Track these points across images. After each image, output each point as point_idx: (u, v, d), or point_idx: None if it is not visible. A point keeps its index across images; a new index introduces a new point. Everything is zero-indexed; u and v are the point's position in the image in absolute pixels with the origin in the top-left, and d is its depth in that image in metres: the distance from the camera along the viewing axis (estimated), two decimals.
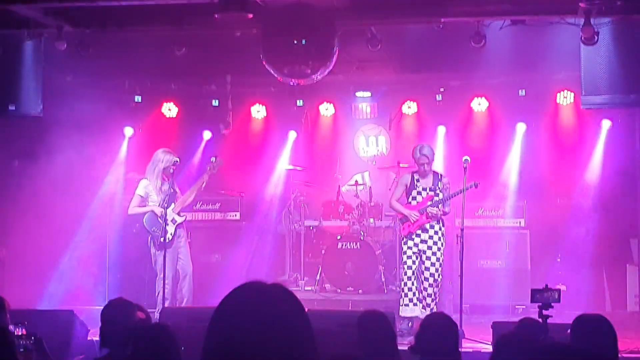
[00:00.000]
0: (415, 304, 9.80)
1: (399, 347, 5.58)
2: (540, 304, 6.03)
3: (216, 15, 8.28)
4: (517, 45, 10.28)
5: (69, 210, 11.53)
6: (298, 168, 12.63)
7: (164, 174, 10.10)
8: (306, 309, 2.13)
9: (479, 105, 12.18)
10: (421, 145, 9.91)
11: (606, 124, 11.54)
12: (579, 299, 10.52)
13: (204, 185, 10.27)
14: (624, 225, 11.39)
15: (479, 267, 11.29)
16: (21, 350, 5.35)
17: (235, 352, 1.98)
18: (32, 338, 5.52)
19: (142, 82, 12.36)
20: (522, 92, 11.78)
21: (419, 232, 9.84)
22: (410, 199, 9.98)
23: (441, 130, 12.33)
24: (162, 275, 9.91)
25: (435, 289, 9.81)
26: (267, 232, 12.56)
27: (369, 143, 13.37)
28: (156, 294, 10.02)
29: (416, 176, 9.95)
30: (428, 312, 9.34)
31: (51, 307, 10.46)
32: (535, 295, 6.04)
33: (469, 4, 8.88)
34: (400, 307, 9.84)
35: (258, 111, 13.01)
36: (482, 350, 8.22)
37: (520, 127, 11.98)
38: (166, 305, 9.72)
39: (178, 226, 10.16)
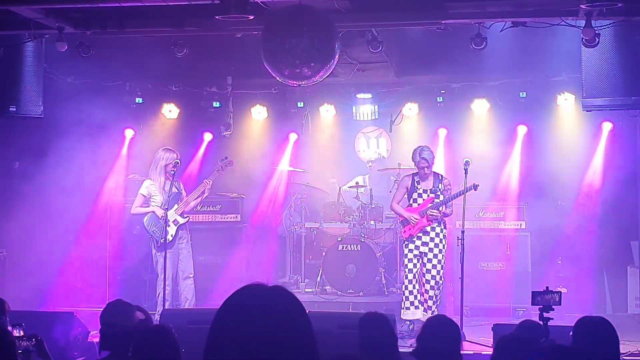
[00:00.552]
0: (416, 307, 9.79)
1: (400, 349, 5.57)
2: (541, 306, 6.02)
3: (217, 17, 8.27)
4: (518, 47, 10.28)
5: (70, 212, 11.53)
6: (299, 170, 12.62)
7: (166, 173, 10.10)
8: (307, 311, 2.12)
9: (480, 107, 12.17)
10: (421, 147, 9.90)
11: (607, 126, 11.53)
12: (579, 301, 10.51)
13: (209, 187, 10.26)
14: (624, 228, 11.38)
15: (480, 270, 11.28)
16: (21, 351, 5.34)
17: (237, 354, 1.98)
18: (33, 339, 5.50)
19: (143, 84, 12.36)
20: (523, 94, 11.76)
21: (420, 234, 9.83)
22: (411, 201, 9.98)
23: (442, 132, 12.32)
24: (162, 277, 9.91)
25: (437, 292, 9.80)
26: (267, 234, 12.56)
27: (369, 145, 13.36)
28: (157, 295, 10.02)
29: (416, 178, 9.95)
30: (429, 314, 9.33)
31: (51, 308, 10.46)
32: (536, 297, 6.03)
33: (469, 6, 8.88)
34: (402, 310, 9.83)
35: (259, 113, 13.00)
36: (483, 353, 8.22)
37: (521, 129, 11.97)
38: (167, 306, 9.72)
39: (180, 227, 10.15)
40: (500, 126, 12.09)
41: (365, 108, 12.89)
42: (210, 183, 10.27)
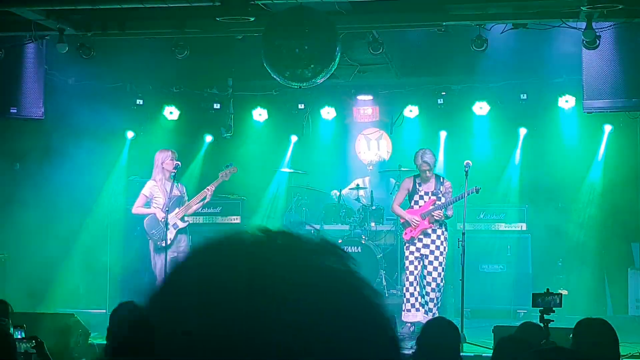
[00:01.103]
0: (417, 309, 9.78)
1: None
2: (541, 308, 6.02)
3: (218, 18, 8.28)
4: (519, 49, 10.28)
5: (71, 213, 11.53)
6: (299, 172, 12.62)
7: (167, 172, 10.10)
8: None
9: (481, 109, 12.16)
10: (423, 150, 9.90)
11: (608, 128, 11.53)
12: (580, 303, 10.50)
13: (209, 197, 10.25)
14: (625, 229, 11.38)
15: (481, 271, 11.28)
16: (22, 353, 5.34)
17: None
18: (33, 341, 5.51)
19: (144, 85, 12.36)
20: (523, 96, 11.76)
21: (421, 236, 9.83)
22: (412, 204, 9.98)
23: (443, 134, 12.32)
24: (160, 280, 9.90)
25: (438, 294, 9.80)
26: None
27: (370, 147, 13.36)
28: None
29: (418, 180, 9.95)
30: (430, 316, 9.32)
31: (52, 310, 10.45)
32: (537, 299, 6.03)
33: (470, 7, 8.88)
34: (403, 312, 9.82)
35: (260, 114, 13.00)
36: (484, 355, 8.21)
37: (522, 131, 11.97)
38: None
39: (179, 231, 10.15)
40: (501, 128, 12.09)
41: (366, 110, 12.89)
42: (213, 189, 10.27)
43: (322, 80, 8.68)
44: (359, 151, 13.40)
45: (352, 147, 13.36)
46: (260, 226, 1.08)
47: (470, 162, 9.61)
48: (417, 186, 9.93)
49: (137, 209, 10.25)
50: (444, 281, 9.90)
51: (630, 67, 8.86)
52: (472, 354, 8.46)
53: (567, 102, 11.64)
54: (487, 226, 11.53)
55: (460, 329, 7.12)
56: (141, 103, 12.50)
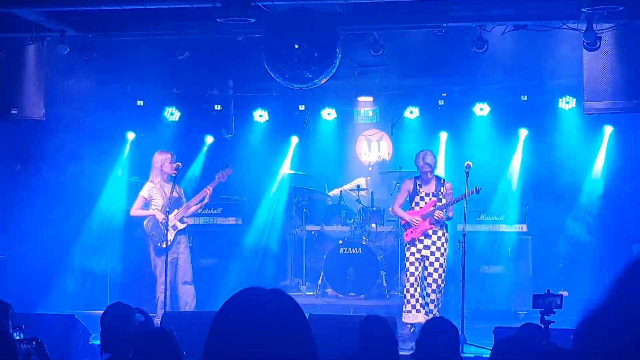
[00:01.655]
0: (418, 311, 9.78)
1: (401, 353, 5.57)
2: (542, 309, 6.02)
3: (218, 20, 8.28)
4: (519, 51, 10.28)
5: (71, 214, 11.53)
6: (300, 173, 12.63)
7: (165, 174, 10.12)
8: (308, 314, 2.13)
9: (481, 110, 12.17)
10: (424, 152, 9.90)
11: (608, 129, 11.53)
12: (581, 304, 10.49)
13: (208, 197, 10.27)
14: (626, 231, 11.36)
15: (481, 273, 11.28)
16: (22, 354, 5.34)
17: (235, 357, 1.98)
18: (33, 342, 5.51)
19: (145, 87, 12.36)
20: (524, 98, 11.76)
21: (421, 237, 9.83)
22: (413, 205, 9.98)
23: (443, 135, 12.32)
24: (162, 280, 9.92)
25: (438, 295, 9.80)
26: (268, 237, 12.55)
27: (371, 148, 13.37)
28: (156, 298, 10.03)
29: (419, 182, 9.95)
30: (431, 318, 9.32)
31: (52, 311, 10.45)
32: (538, 300, 6.03)
33: (470, 9, 8.88)
34: (403, 314, 9.83)
35: (260, 116, 13.00)
36: (484, 356, 8.21)
37: (522, 133, 11.97)
38: (166, 309, 9.73)
39: (179, 232, 10.16)
40: (502, 129, 12.08)
41: (366, 111, 12.90)
42: (211, 190, 10.28)
43: (323, 81, 8.69)
44: (360, 152, 13.40)
45: (352, 148, 13.36)
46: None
47: (470, 163, 9.61)
48: (418, 187, 9.93)
49: (135, 211, 10.27)
50: (444, 282, 9.91)
51: (630, 68, 8.86)
52: (473, 355, 8.46)
53: (567, 103, 11.64)
54: (488, 227, 11.53)
55: (460, 330, 7.13)
56: (142, 104, 12.51)
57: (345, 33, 9.04)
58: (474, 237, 11.09)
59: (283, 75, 8.54)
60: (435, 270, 9.78)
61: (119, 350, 5.06)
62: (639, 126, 11.33)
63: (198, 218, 11.74)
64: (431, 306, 9.76)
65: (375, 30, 9.39)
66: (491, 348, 5.13)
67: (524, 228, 11.46)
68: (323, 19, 8.50)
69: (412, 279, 9.84)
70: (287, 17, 8.50)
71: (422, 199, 9.92)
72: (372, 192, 12.08)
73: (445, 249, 9.86)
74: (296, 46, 8.30)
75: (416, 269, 9.84)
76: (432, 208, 9.81)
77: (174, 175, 10.05)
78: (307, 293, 11.74)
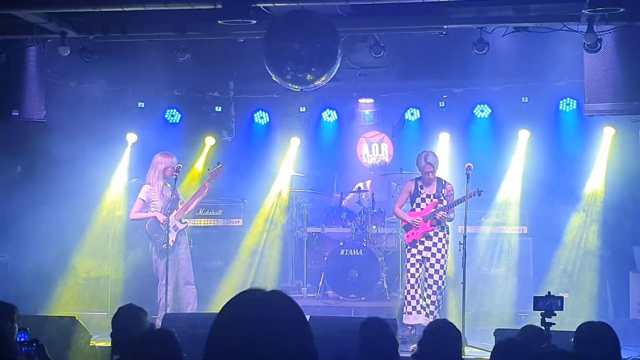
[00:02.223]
0: (418, 312, 9.78)
1: (401, 354, 5.57)
2: (543, 311, 6.02)
3: (219, 22, 8.28)
4: (520, 52, 10.29)
5: (72, 216, 11.53)
6: (301, 174, 12.63)
7: (165, 177, 10.13)
8: (308, 316, 2.13)
9: (482, 112, 12.18)
10: (426, 152, 9.90)
11: (609, 131, 11.52)
12: (581, 306, 10.49)
13: (206, 192, 10.29)
14: (627, 233, 11.36)
15: (482, 274, 11.27)
16: (23, 356, 5.34)
17: (235, 358, 1.98)
18: (34, 344, 5.50)
19: (145, 88, 12.36)
20: (525, 99, 11.77)
21: (422, 239, 9.83)
22: (414, 206, 9.98)
23: (444, 137, 12.32)
24: (163, 282, 9.92)
25: (439, 297, 9.80)
26: (269, 238, 12.55)
27: (371, 150, 13.37)
28: (158, 300, 10.03)
29: (420, 183, 9.95)
30: (431, 319, 9.32)
31: (53, 312, 10.45)
32: (538, 302, 6.03)
33: (471, 11, 8.88)
34: (404, 315, 9.83)
35: (261, 117, 13.01)
36: (485, 358, 8.20)
37: (523, 134, 11.97)
38: (168, 311, 9.73)
39: (179, 233, 10.17)
40: (502, 131, 12.08)
41: (367, 113, 12.90)
42: (209, 186, 10.28)
43: (324, 83, 8.69)
44: (361, 154, 13.41)
45: (353, 150, 13.37)
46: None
47: (471, 165, 9.62)
48: (419, 189, 9.93)
49: (135, 214, 10.28)
50: (445, 284, 9.91)
51: (631, 70, 8.86)
52: (474, 357, 8.46)
53: (568, 105, 11.65)
54: (489, 229, 11.52)
55: (461, 332, 7.13)
56: (143, 106, 12.51)
57: (346, 35, 9.04)
58: (474, 239, 11.09)
59: (284, 77, 8.54)
60: (436, 271, 9.78)
61: (128, 352, 5.05)
62: None
63: (199, 219, 11.74)
64: (432, 308, 9.76)
65: (376, 32, 9.39)
66: (492, 350, 5.13)
67: (525, 230, 11.45)
68: (324, 21, 8.49)
69: (412, 281, 9.83)
70: (288, 19, 8.49)
71: (423, 200, 9.92)
72: (372, 194, 12.08)
73: (446, 250, 9.86)
74: (297, 48, 8.29)
75: (417, 270, 9.84)
76: (433, 210, 9.81)
77: (174, 177, 10.06)
78: (308, 295, 11.74)
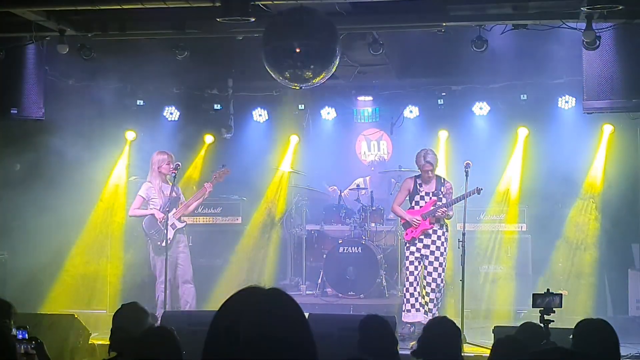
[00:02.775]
0: (417, 310, 9.79)
1: (401, 352, 5.57)
2: (541, 308, 6.02)
3: (218, 19, 8.28)
4: (519, 50, 10.28)
5: (71, 214, 11.53)
6: (299, 172, 12.63)
7: (161, 175, 10.13)
8: (307, 313, 2.13)
9: (481, 109, 12.17)
10: (425, 151, 9.90)
11: (608, 128, 11.53)
12: (580, 303, 10.50)
13: (207, 194, 10.28)
14: (625, 230, 11.37)
15: (481, 272, 11.28)
16: (22, 354, 5.34)
17: (235, 356, 1.98)
18: (33, 342, 5.51)
19: (144, 86, 12.36)
20: (523, 97, 11.77)
21: (421, 237, 9.84)
22: (413, 204, 9.98)
23: (443, 134, 12.33)
24: (161, 279, 9.93)
25: (438, 294, 9.80)
26: (268, 236, 12.56)
27: (370, 147, 13.37)
28: (156, 298, 10.03)
29: (419, 181, 9.96)
30: (430, 317, 9.33)
31: (52, 310, 10.45)
32: (537, 300, 6.03)
33: (470, 8, 8.88)
34: (403, 313, 9.83)
35: (260, 115, 13.01)
36: (484, 355, 8.21)
37: (522, 132, 11.97)
38: (165, 309, 9.73)
39: (177, 231, 10.16)
40: (501, 129, 12.09)
41: (366, 110, 12.90)
42: (211, 186, 10.28)
43: (322, 81, 8.68)
44: (359, 152, 13.41)
45: (352, 147, 13.37)
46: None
47: (470, 162, 9.62)
48: (418, 187, 9.93)
49: (134, 210, 10.29)
50: (444, 282, 9.91)
51: (630, 67, 8.86)
52: (473, 355, 8.46)
53: (567, 102, 11.64)
54: (487, 227, 11.53)
55: (460, 330, 7.14)
56: (141, 104, 12.51)
57: (345, 32, 9.03)
58: (473, 237, 11.10)
59: (282, 75, 8.53)
60: (435, 269, 9.79)
61: (126, 351, 5.06)
62: (639, 125, 11.33)
63: (198, 217, 11.74)
64: (430, 305, 9.76)
65: (375, 29, 9.39)
66: (491, 347, 5.13)
67: (524, 227, 11.46)
68: (323, 19, 8.49)
69: (411, 278, 9.84)
70: (286, 17, 8.49)
71: (422, 198, 9.92)
72: (371, 192, 12.08)
73: (445, 248, 9.86)
74: (295, 45, 8.29)
75: (416, 268, 9.85)
76: (432, 207, 9.82)
77: (173, 175, 10.06)
78: (307, 292, 11.74)
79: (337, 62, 8.56)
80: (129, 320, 5.19)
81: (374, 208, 11.80)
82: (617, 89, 8.89)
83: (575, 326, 4.93)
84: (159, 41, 10.14)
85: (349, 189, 12.56)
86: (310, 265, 12.09)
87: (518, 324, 6.28)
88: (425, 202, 9.89)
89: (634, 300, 11.03)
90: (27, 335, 5.57)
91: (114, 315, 5.27)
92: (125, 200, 11.78)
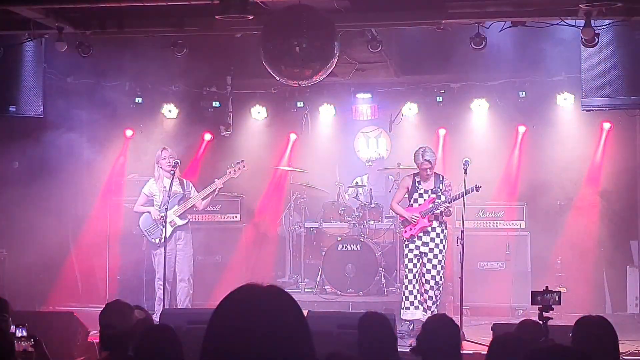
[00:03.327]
0: (416, 307, 9.79)
1: (399, 349, 5.57)
2: (540, 306, 6.02)
3: (217, 17, 8.27)
4: (518, 47, 10.28)
5: (69, 211, 11.53)
6: (298, 170, 12.62)
7: (162, 171, 10.13)
8: (306, 311, 2.12)
9: (479, 107, 12.17)
10: (424, 148, 9.90)
11: (606, 125, 11.54)
12: (579, 301, 10.51)
13: (218, 191, 10.22)
14: (624, 227, 11.39)
15: (480, 269, 11.29)
16: (20, 352, 5.34)
17: (233, 354, 1.98)
18: (31, 340, 5.50)
19: (143, 84, 12.34)
20: (522, 94, 11.76)
21: (420, 234, 9.83)
22: (411, 202, 9.98)
23: (441, 132, 12.33)
24: (158, 276, 9.95)
25: (437, 292, 9.80)
26: (267, 233, 12.56)
27: (369, 145, 13.37)
28: (155, 295, 10.05)
29: (417, 179, 9.95)
30: (429, 314, 9.33)
31: (51, 308, 10.46)
32: (536, 297, 6.03)
33: (469, 5, 8.88)
34: (402, 310, 9.83)
35: (258, 112, 13.00)
36: (483, 352, 8.21)
37: (521, 129, 11.98)
38: (163, 306, 9.74)
39: (177, 229, 10.14)
40: (500, 126, 12.09)
41: (364, 108, 12.89)
42: (221, 184, 10.23)
43: (321, 78, 8.68)
44: (358, 149, 13.41)
45: (350, 145, 13.37)
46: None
47: (469, 159, 9.62)
48: (417, 184, 9.93)
49: (137, 207, 10.34)
50: (443, 279, 9.91)
51: (628, 65, 8.87)
52: (471, 352, 8.46)
53: (565, 100, 11.64)
54: (486, 224, 11.53)
55: (459, 327, 7.14)
56: (140, 101, 12.50)
57: (344, 30, 9.03)
58: (472, 234, 11.09)
59: (281, 72, 8.53)
60: (434, 267, 9.79)
61: (117, 347, 5.06)
62: (637, 122, 11.33)
63: (197, 215, 11.73)
64: (429, 303, 9.76)
65: (373, 26, 9.38)
66: (489, 344, 5.13)
67: (522, 224, 11.46)
68: (321, 16, 8.48)
69: (410, 276, 9.84)
70: (285, 14, 8.48)
71: (421, 195, 9.92)
72: (370, 189, 12.08)
73: (444, 246, 9.86)
74: (294, 43, 8.28)
75: (415, 265, 9.85)
76: (430, 205, 9.82)
77: (172, 172, 10.06)
78: (306, 290, 11.74)
79: (335, 60, 8.56)
80: (116, 315, 5.20)
81: (372, 205, 11.79)
82: (616, 86, 8.89)
83: (575, 323, 4.94)
84: (157, 39, 10.13)
85: (348, 187, 12.55)
86: (309, 262, 12.09)
87: (517, 321, 6.28)
88: (424, 200, 9.89)
89: (632, 297, 11.05)
90: (25, 332, 5.56)
91: (100, 315, 5.28)
92: (124, 198, 11.77)
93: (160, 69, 11.25)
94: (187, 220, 10.29)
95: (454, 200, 9.78)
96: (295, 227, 12.25)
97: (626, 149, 11.48)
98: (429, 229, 9.82)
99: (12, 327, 5.63)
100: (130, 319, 5.22)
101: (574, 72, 9.86)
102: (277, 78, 8.73)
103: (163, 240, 9.89)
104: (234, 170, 10.30)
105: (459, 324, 8.18)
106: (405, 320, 9.81)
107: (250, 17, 8.17)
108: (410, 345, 5.13)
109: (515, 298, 10.88)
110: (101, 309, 5.36)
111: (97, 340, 8.54)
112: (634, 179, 11.42)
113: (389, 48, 10.30)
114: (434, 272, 9.78)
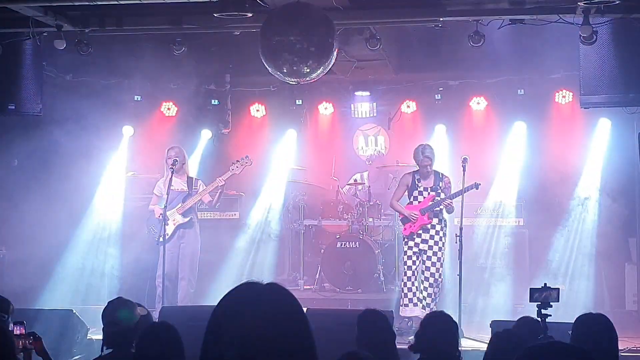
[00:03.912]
0: (415, 304, 9.81)
1: (398, 346, 5.58)
2: (539, 303, 6.03)
3: (215, 15, 8.28)
4: (516, 45, 10.29)
5: (68, 209, 11.53)
6: (297, 167, 12.63)
7: (167, 170, 10.18)
8: (305, 308, 2.13)
9: (478, 104, 12.19)
10: (423, 146, 9.91)
11: (605, 123, 11.54)
12: (578, 298, 10.52)
13: (222, 184, 10.19)
14: (622, 224, 11.39)
15: (478, 266, 11.30)
16: (20, 349, 5.35)
17: (234, 351, 1.99)
18: (31, 337, 5.52)
19: (142, 82, 12.33)
20: (521, 92, 11.78)
21: (420, 232, 9.85)
22: (411, 199, 9.99)
23: (440, 129, 12.33)
24: (159, 273, 9.97)
25: (436, 289, 9.82)
26: (266, 231, 12.56)
27: (368, 142, 13.38)
28: (156, 292, 10.08)
29: (417, 176, 9.97)
30: (428, 312, 9.34)
31: (51, 306, 10.46)
32: (534, 294, 6.04)
33: (467, 3, 8.88)
34: (400, 307, 9.85)
35: (257, 110, 13.01)
36: (481, 349, 8.22)
37: (519, 127, 11.98)
38: (163, 303, 9.75)
39: (179, 227, 10.15)
40: (499, 123, 12.10)
41: (363, 105, 12.90)
42: (223, 181, 10.22)
43: (320, 76, 8.68)
44: (357, 147, 13.41)
45: (349, 142, 13.37)
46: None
47: (467, 157, 9.63)
48: (417, 182, 9.95)
49: (150, 206, 10.39)
50: (442, 276, 9.92)
51: (627, 62, 8.86)
52: (470, 349, 8.48)
53: (564, 97, 11.66)
54: (485, 221, 11.54)
55: (458, 324, 7.15)
56: (139, 99, 12.50)
57: (342, 27, 9.03)
58: (471, 231, 11.11)
59: (280, 70, 8.53)
60: (433, 264, 9.80)
61: (120, 345, 5.07)
62: (636, 119, 11.33)
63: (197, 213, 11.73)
64: (428, 300, 9.78)
65: (372, 24, 9.38)
66: (488, 341, 5.15)
67: (521, 222, 11.48)
68: (320, 14, 8.49)
69: (409, 273, 9.86)
70: (283, 12, 8.48)
71: (420, 193, 9.93)
72: (369, 187, 12.09)
73: (443, 243, 9.88)
74: (293, 40, 8.28)
75: (414, 262, 9.86)
76: (430, 203, 9.83)
77: (171, 169, 10.08)
78: (305, 287, 11.75)
79: (334, 58, 8.56)
80: (119, 312, 5.21)
81: (371, 203, 11.81)
82: (614, 84, 8.90)
83: (575, 320, 4.95)
84: (156, 37, 10.13)
85: (347, 184, 12.55)
86: (308, 260, 12.10)
87: (515, 319, 6.29)
88: (424, 197, 9.90)
89: (630, 294, 11.06)
90: (25, 330, 5.58)
91: (103, 312, 5.29)
92: (123, 195, 11.78)
93: (159, 67, 11.24)
94: (189, 218, 10.27)
95: (453, 198, 9.79)
96: (294, 224, 12.26)
97: (624, 146, 11.47)
98: (429, 226, 9.83)
99: (11, 324, 5.64)
100: (134, 316, 5.23)
101: (572, 70, 9.86)
102: (276, 76, 8.73)
103: (165, 238, 9.91)
104: (237, 167, 10.30)
105: (457, 321, 8.20)
106: (404, 317, 9.82)
107: (249, 15, 8.17)
108: (409, 342, 5.14)
109: (513, 295, 10.88)
110: (100, 306, 5.37)
111: (97, 338, 8.57)
112: (632, 176, 11.42)
113: (387, 46, 10.30)
114: (433, 270, 9.79)
